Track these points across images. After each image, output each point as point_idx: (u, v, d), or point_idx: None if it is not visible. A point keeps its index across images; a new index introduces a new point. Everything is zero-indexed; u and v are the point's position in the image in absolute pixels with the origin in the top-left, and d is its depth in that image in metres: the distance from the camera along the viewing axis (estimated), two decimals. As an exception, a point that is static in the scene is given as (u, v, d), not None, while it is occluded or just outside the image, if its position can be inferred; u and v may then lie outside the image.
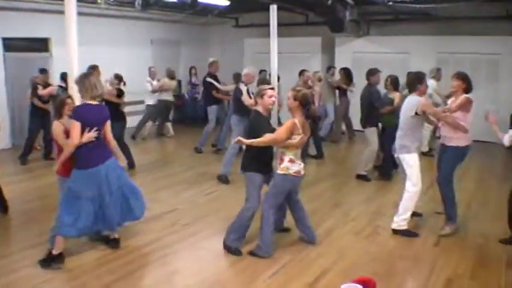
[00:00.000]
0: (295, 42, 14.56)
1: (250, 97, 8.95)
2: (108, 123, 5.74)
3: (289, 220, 6.46)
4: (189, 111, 15.82)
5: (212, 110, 11.78)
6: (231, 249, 5.95)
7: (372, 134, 9.14)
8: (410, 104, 6.43)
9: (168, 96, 13.56)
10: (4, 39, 11.79)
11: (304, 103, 5.71)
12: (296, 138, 5.64)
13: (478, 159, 10.29)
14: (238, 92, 9.36)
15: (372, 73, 9.25)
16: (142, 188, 8.62)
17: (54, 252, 5.52)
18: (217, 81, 11.82)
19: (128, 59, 13.70)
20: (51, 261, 5.50)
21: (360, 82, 12.30)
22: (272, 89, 6.09)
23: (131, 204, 5.94)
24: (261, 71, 13.40)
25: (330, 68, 13.57)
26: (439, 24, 13.31)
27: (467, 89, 6.33)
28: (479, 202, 7.99)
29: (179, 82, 16.72)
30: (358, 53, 14.54)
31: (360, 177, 9.30)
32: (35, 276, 5.32)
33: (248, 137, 5.87)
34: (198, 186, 8.87)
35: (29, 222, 6.97)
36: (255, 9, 13.81)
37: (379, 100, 9.03)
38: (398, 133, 6.59)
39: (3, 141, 11.62)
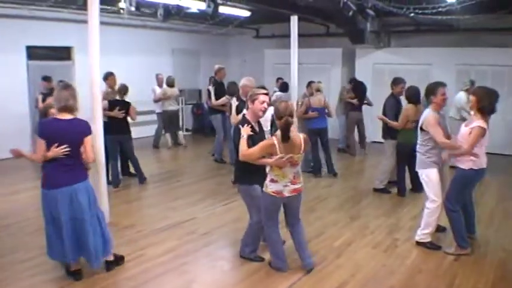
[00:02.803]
0: (315, 54, 14.60)
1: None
2: (88, 139, 5.25)
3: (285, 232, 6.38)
4: (207, 120, 15.81)
5: (215, 119, 11.67)
6: (251, 259, 5.96)
7: (391, 147, 9.00)
8: (422, 117, 6.43)
9: (171, 106, 13.51)
10: (28, 48, 11.97)
11: (277, 116, 5.35)
12: (272, 158, 5.29)
13: (499, 173, 10.18)
14: (230, 107, 8.93)
15: (395, 82, 9.12)
16: (161, 197, 8.77)
17: (72, 268, 5.45)
18: (223, 88, 11.46)
19: (149, 68, 13.81)
20: (68, 274, 5.48)
21: (380, 93, 12.30)
22: (266, 94, 5.72)
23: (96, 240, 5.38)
24: (278, 79, 13.40)
25: (351, 80, 13.37)
26: (461, 36, 13.22)
27: (484, 108, 5.86)
28: (500, 216, 7.87)
29: (199, 92, 16.83)
30: (378, 64, 14.51)
31: (377, 191, 9.24)
32: (52, 282, 5.38)
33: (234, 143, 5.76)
34: (215, 196, 8.89)
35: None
36: (276, 20, 13.84)
37: (391, 110, 8.85)
38: (418, 148, 6.55)
39: (25, 148, 11.72)
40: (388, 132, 9.00)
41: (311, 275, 5.62)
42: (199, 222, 7.50)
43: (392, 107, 8.89)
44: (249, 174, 5.65)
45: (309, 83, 10.97)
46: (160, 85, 13.41)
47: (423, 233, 6.46)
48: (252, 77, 8.85)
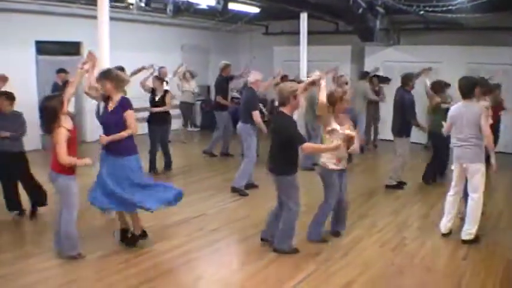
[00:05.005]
0: (324, 51, 14.53)
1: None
2: (128, 114, 5.94)
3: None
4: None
5: (220, 115, 11.71)
6: (290, 252, 6.08)
7: (405, 145, 8.98)
8: (476, 112, 6.33)
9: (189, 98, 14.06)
10: (37, 42, 12.01)
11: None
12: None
13: (507, 173, 10.14)
14: (255, 101, 8.93)
15: (411, 78, 9.01)
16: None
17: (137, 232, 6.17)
18: (228, 85, 11.76)
19: (158, 64, 13.77)
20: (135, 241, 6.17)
21: (389, 91, 12.30)
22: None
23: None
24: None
25: (366, 73, 13.27)
26: (471, 35, 13.16)
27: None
28: (508, 216, 7.83)
29: (207, 88, 16.83)
30: (388, 62, 14.43)
31: (389, 187, 9.20)
32: (61, 276, 5.42)
33: (276, 140, 5.99)
34: (225, 192, 8.86)
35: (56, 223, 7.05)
36: (285, 17, 13.84)
37: (412, 110, 8.78)
38: (466, 143, 6.37)
39: (34, 143, 11.77)
40: (405, 129, 8.91)
41: (319, 273, 5.62)
42: (209, 218, 7.51)
43: (401, 103, 8.86)
44: (294, 164, 6.02)
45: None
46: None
47: (475, 229, 6.42)
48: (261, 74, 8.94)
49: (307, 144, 5.87)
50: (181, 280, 5.51)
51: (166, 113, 10.16)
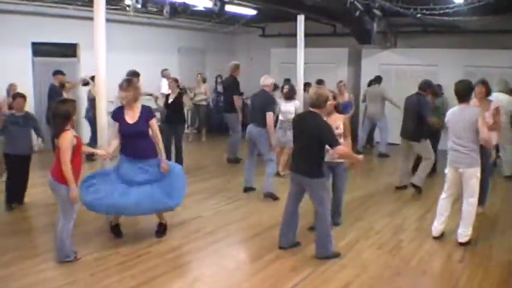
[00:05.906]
0: (321, 53, 14.52)
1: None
2: (151, 123, 6.28)
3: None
4: (213, 119, 15.67)
5: (230, 117, 11.46)
6: (332, 256, 6.05)
7: (428, 146, 8.92)
8: (473, 115, 6.29)
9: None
10: (33, 44, 12.00)
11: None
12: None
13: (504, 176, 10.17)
14: (273, 104, 8.80)
15: (430, 85, 9.12)
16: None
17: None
18: (238, 86, 11.61)
19: (155, 66, 13.77)
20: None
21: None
22: None
23: None
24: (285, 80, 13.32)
25: (380, 78, 13.09)
26: (468, 38, 13.18)
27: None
28: (505, 218, 7.83)
29: (204, 90, 16.83)
30: (384, 65, 14.43)
31: (414, 186, 9.11)
32: (58, 278, 5.39)
33: (307, 139, 5.84)
34: (223, 194, 8.86)
35: (54, 225, 7.01)
36: (282, 19, 13.82)
37: (429, 110, 8.80)
38: (464, 148, 6.33)
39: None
40: (423, 133, 8.83)
41: (316, 275, 5.61)
42: (206, 220, 7.49)
43: (417, 108, 8.83)
44: (322, 167, 5.97)
45: (308, 84, 11.12)
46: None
47: (470, 231, 6.46)
48: (258, 76, 8.92)
49: (341, 147, 5.80)
50: (179, 282, 5.48)
51: (181, 113, 10.22)
